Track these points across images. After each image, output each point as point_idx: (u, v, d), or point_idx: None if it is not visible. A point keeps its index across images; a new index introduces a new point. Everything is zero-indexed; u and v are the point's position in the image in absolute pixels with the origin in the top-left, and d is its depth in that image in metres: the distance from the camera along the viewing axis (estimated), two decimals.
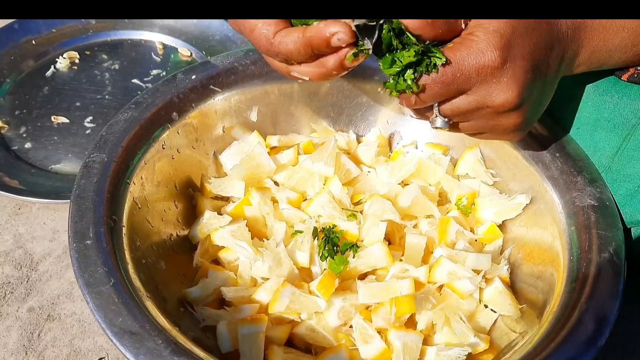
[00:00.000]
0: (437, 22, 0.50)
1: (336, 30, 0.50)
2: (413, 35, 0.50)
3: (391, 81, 0.53)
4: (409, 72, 0.51)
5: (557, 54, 0.55)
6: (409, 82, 0.51)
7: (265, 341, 0.62)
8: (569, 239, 0.63)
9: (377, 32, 0.49)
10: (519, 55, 0.51)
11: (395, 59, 0.51)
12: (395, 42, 0.50)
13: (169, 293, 0.63)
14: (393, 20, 0.49)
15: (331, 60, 0.53)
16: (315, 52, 0.53)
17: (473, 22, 0.52)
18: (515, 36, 0.50)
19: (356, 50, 0.51)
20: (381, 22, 0.49)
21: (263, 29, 0.55)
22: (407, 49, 0.50)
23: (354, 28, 0.50)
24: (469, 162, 0.75)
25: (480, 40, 0.50)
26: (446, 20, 0.51)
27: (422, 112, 0.57)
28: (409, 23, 0.49)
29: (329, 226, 0.68)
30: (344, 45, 0.51)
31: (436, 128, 0.56)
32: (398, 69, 0.51)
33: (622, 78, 0.62)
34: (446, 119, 0.56)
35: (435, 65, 0.50)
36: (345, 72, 0.55)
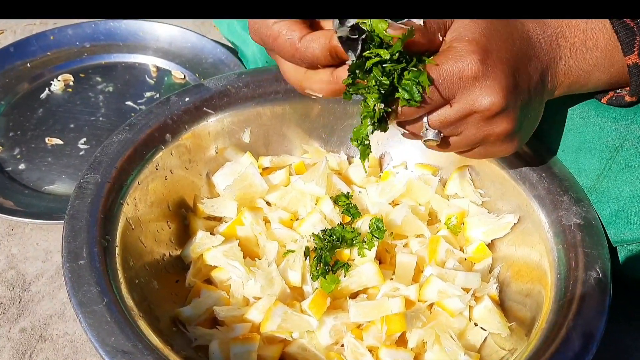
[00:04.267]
0: (416, 33, 0.51)
1: None
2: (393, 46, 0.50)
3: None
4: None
5: (536, 67, 0.56)
6: (414, 90, 0.52)
7: None
8: (556, 257, 0.64)
9: (360, 45, 0.49)
10: (498, 60, 0.52)
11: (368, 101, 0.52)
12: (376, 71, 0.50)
13: (161, 312, 0.64)
14: (374, 32, 0.49)
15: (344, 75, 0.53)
16: (341, 58, 0.53)
17: (449, 37, 0.53)
18: (491, 44, 0.52)
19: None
20: (363, 36, 0.49)
21: (287, 35, 0.55)
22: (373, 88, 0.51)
23: (336, 41, 0.50)
24: (457, 182, 0.76)
25: (458, 49, 0.51)
26: (425, 34, 0.52)
27: (413, 130, 0.57)
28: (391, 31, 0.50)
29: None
30: None
31: (427, 142, 0.56)
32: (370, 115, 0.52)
33: (602, 101, 0.63)
34: (437, 131, 0.56)
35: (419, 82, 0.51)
36: None
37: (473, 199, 0.76)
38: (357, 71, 0.51)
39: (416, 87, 0.51)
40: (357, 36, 0.49)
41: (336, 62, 0.54)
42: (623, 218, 0.66)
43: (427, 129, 0.56)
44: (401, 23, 0.50)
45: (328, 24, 0.57)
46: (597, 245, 0.62)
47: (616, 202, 0.66)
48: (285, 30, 0.55)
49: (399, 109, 0.53)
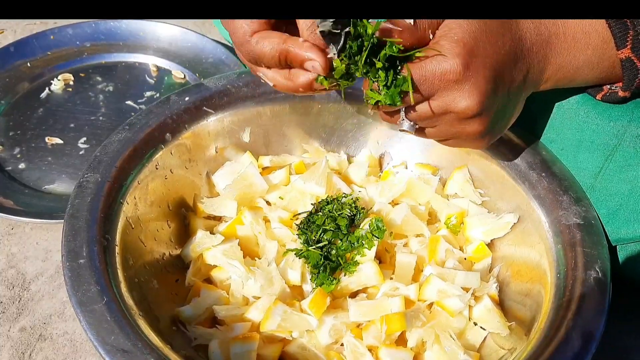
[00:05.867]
0: (404, 32, 0.51)
1: (314, 57, 0.51)
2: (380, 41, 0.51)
3: (375, 95, 0.54)
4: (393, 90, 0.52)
5: (521, 68, 0.57)
6: (396, 98, 0.53)
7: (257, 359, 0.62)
8: (556, 257, 0.64)
9: (342, 39, 0.50)
10: (482, 65, 0.53)
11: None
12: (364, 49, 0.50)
13: (161, 312, 0.64)
14: (359, 24, 0.50)
15: (301, 77, 0.55)
16: (288, 63, 0.54)
17: (439, 33, 0.53)
18: (478, 47, 0.53)
19: (326, 81, 0.53)
20: (346, 29, 0.49)
21: (245, 23, 0.56)
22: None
23: (318, 33, 0.50)
24: (457, 181, 0.77)
25: (444, 49, 0.52)
26: (414, 33, 0.52)
27: (391, 116, 0.58)
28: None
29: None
30: (316, 73, 0.53)
31: (403, 131, 0.58)
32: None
33: (596, 97, 0.64)
34: (412, 123, 0.57)
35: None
36: (310, 94, 0.57)
37: (473, 198, 0.76)
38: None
39: (399, 94, 0.52)
40: (339, 30, 0.49)
41: (282, 67, 0.56)
42: (621, 216, 0.66)
43: (403, 120, 0.57)
44: (390, 22, 0.51)
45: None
46: (597, 245, 0.62)
47: (615, 200, 0.66)
48: (245, 24, 0.56)
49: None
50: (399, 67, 0.52)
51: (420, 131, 0.59)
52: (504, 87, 0.56)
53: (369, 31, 0.50)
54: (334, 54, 0.51)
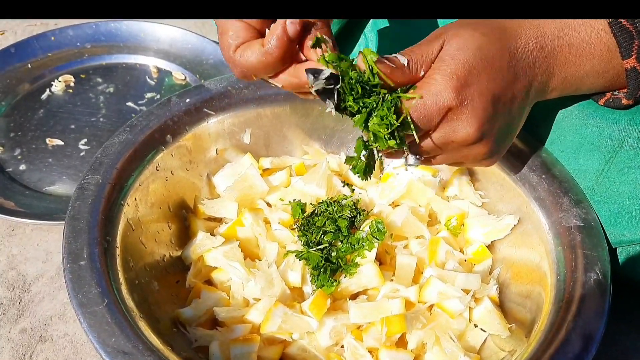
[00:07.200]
0: (396, 72, 0.52)
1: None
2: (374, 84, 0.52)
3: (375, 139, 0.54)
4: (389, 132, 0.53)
5: (523, 84, 0.57)
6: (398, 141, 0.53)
7: None
8: (556, 258, 0.64)
9: (335, 95, 0.51)
10: (477, 92, 0.53)
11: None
12: (357, 101, 0.51)
13: (161, 313, 0.64)
14: (345, 78, 0.51)
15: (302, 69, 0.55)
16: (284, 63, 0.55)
17: (433, 66, 0.54)
18: (472, 76, 0.53)
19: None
20: (338, 86, 0.50)
21: (231, 38, 0.56)
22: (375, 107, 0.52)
23: (313, 92, 0.51)
24: (457, 183, 0.77)
25: (438, 83, 0.53)
26: (407, 73, 0.53)
27: (394, 156, 0.59)
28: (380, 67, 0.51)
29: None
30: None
31: (409, 166, 0.58)
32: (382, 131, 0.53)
33: (599, 102, 0.64)
34: (417, 156, 0.58)
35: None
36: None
37: (473, 200, 0.76)
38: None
39: (405, 137, 0.53)
40: (332, 86, 0.50)
41: (274, 72, 0.56)
42: (622, 219, 0.66)
43: (408, 155, 0.58)
44: (386, 58, 0.52)
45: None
46: (597, 247, 0.62)
47: (615, 202, 0.66)
48: (232, 32, 0.56)
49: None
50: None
51: (426, 161, 0.60)
52: (504, 108, 0.56)
53: (369, 60, 0.50)
54: (332, 108, 0.52)
